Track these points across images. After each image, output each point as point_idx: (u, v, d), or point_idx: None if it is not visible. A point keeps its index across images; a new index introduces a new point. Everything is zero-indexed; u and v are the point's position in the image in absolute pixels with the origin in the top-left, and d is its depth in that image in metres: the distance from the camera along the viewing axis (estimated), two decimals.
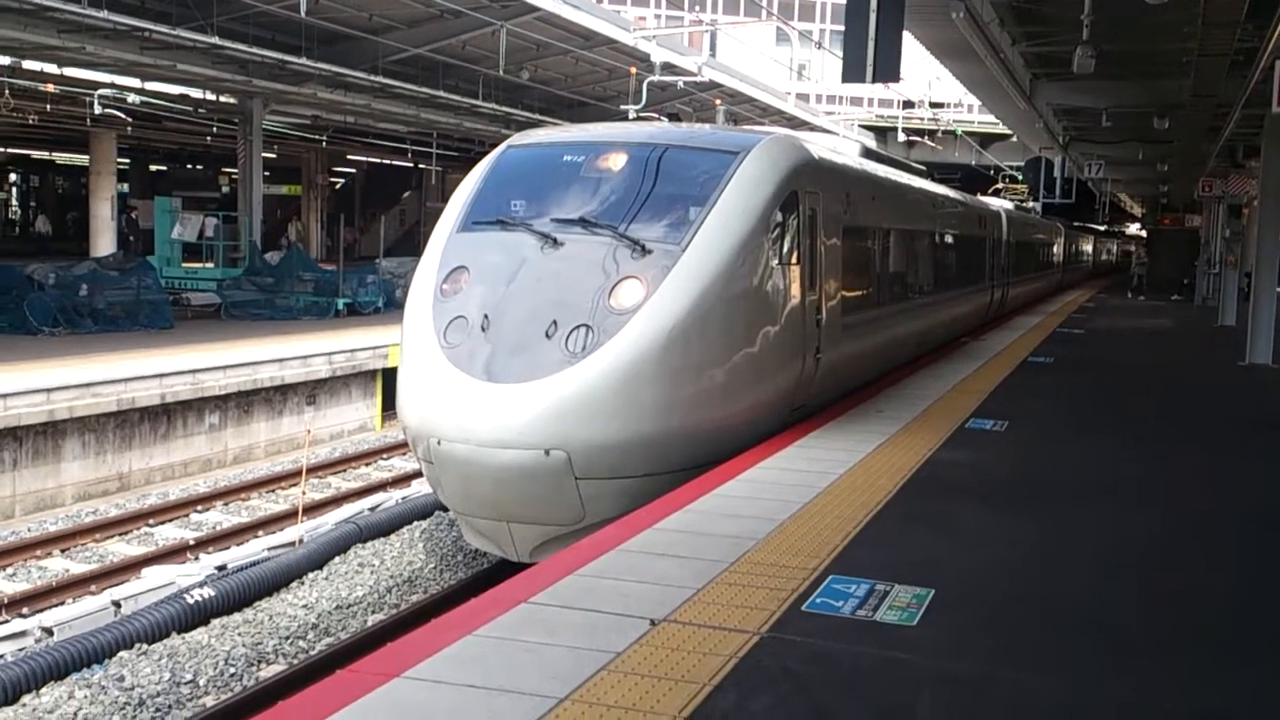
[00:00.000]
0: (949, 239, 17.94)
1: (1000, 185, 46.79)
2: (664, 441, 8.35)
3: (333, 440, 17.52)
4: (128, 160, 42.85)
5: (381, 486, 14.37)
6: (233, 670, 8.51)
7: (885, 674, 4.57)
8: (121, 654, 8.62)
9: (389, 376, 17.77)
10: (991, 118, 34.17)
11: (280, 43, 22.45)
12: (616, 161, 9.54)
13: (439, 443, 8.19)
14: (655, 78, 25.49)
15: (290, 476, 14.43)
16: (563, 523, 8.36)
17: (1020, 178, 44.03)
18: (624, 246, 8.71)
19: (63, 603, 10.02)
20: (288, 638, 9.17)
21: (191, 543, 11.70)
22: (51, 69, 24.01)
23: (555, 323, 8.25)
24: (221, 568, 10.68)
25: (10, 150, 45.93)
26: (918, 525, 6.86)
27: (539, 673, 4.40)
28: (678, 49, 28.50)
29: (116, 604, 9.70)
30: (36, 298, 19.01)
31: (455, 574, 10.68)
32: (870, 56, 10.34)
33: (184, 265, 29.87)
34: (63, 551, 11.60)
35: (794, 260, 9.81)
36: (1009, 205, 28.99)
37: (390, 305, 24.78)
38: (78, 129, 32.47)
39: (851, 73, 10.52)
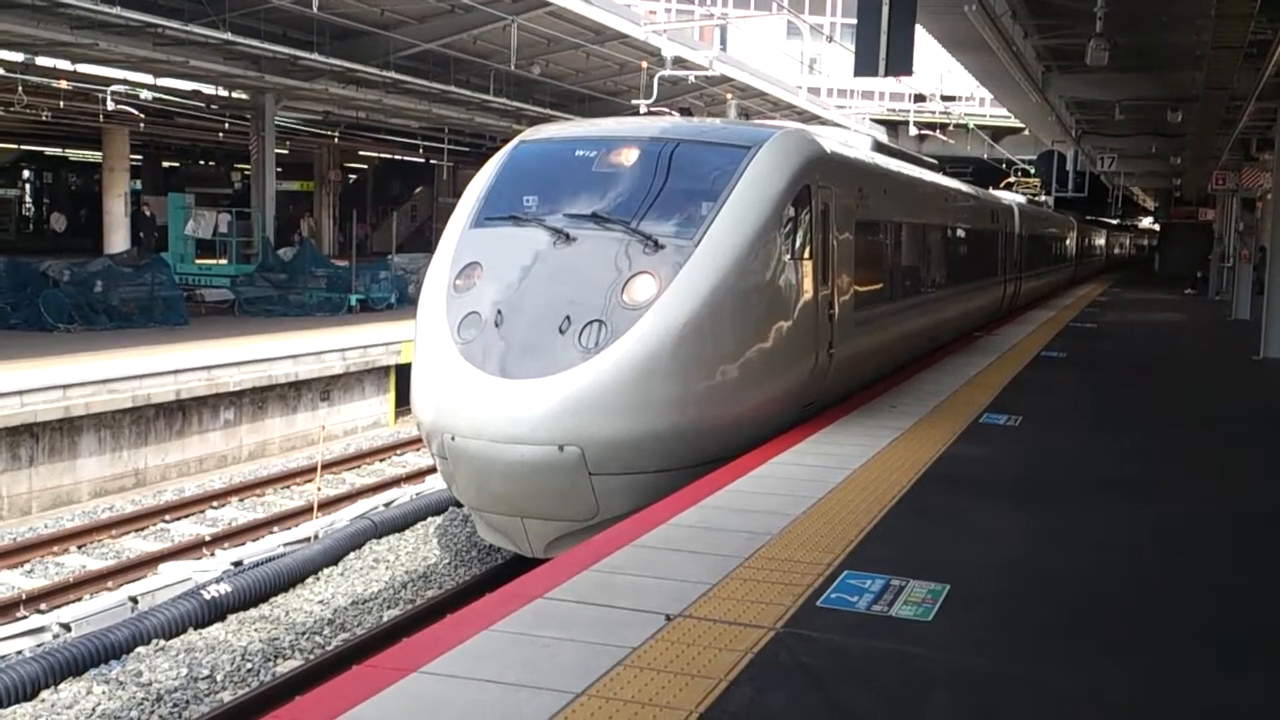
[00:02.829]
0: (961, 233, 17.91)
1: (1012, 179, 46.62)
2: (677, 437, 8.36)
3: (346, 436, 17.57)
4: (140, 156, 42.94)
5: (396, 482, 14.42)
6: (249, 665, 8.55)
7: (901, 669, 4.58)
8: (139, 650, 8.67)
9: (402, 372, 17.81)
10: (1003, 111, 34.04)
11: (292, 38, 22.50)
12: (629, 157, 9.55)
13: (453, 438, 8.22)
14: (666, 72, 25.45)
15: (305, 472, 14.48)
16: (577, 518, 8.38)
17: (1032, 171, 43.91)
18: (637, 242, 8.72)
19: (80, 599, 10.08)
20: (304, 633, 9.21)
21: (207, 539, 11.76)
22: (64, 65, 24.09)
23: (568, 318, 8.26)
24: (237, 563, 10.74)
25: (24, 147, 46.04)
26: (932, 520, 6.87)
27: (555, 668, 4.42)
28: (689, 43, 28.48)
29: (133, 600, 9.76)
30: (51, 294, 19.09)
31: (470, 570, 10.71)
32: (882, 50, 10.33)
33: (197, 261, 29.96)
34: (79, 548, 11.65)
35: (807, 255, 9.81)
36: (1021, 199, 28.93)
37: (403, 301, 24.82)
38: (90, 125, 32.54)
39: (864, 66, 10.51)
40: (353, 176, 51.77)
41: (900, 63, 10.34)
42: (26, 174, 52.96)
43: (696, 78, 27.18)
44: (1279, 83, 15.79)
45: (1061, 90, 22.75)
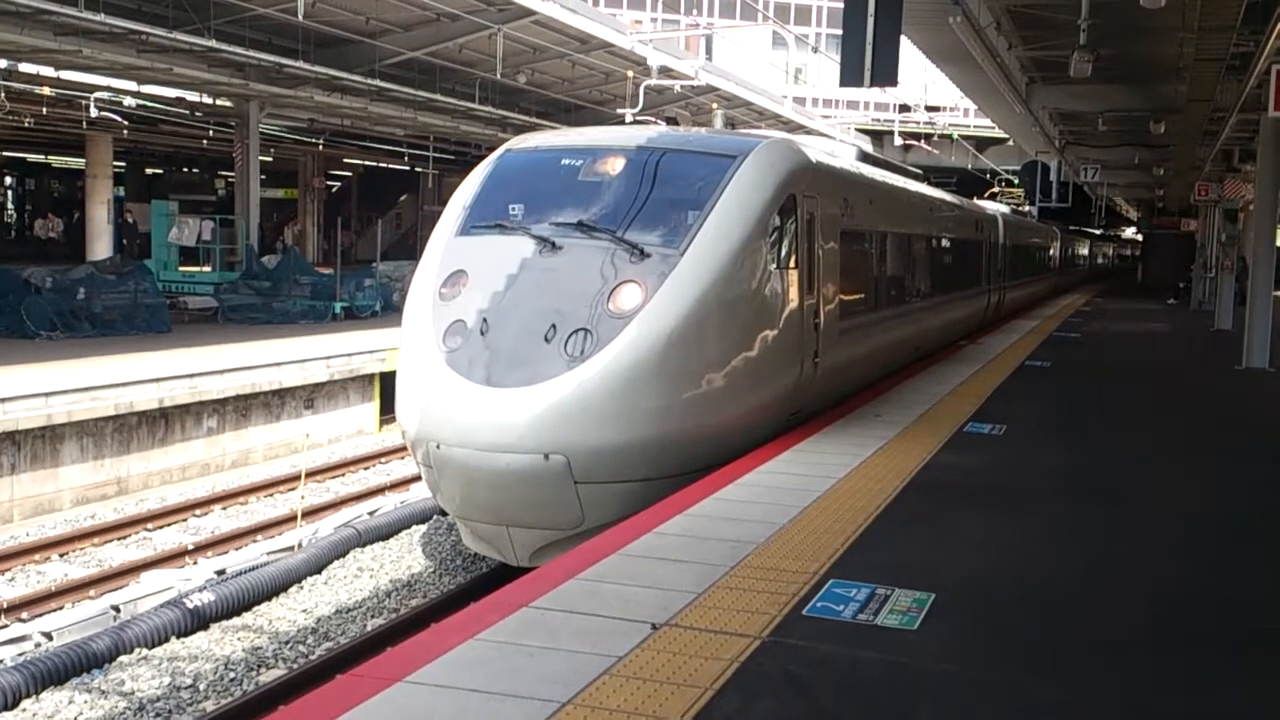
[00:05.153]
0: (946, 243, 17.97)
1: (996, 189, 46.83)
2: (663, 445, 8.36)
3: (330, 444, 17.51)
4: (123, 163, 42.80)
5: (380, 491, 14.37)
6: (232, 675, 8.51)
7: (887, 678, 4.58)
8: (121, 659, 8.62)
9: (386, 380, 17.77)
10: (988, 122, 34.27)
11: (277, 46, 22.47)
12: (615, 165, 9.56)
13: (438, 447, 8.20)
14: (652, 81, 25.52)
15: (288, 481, 14.42)
16: (562, 527, 8.37)
17: (1016, 181, 44.12)
18: (622, 251, 8.73)
19: (62, 607, 10.01)
20: (287, 642, 9.17)
21: (190, 547, 11.70)
22: (48, 72, 24.00)
23: (554, 327, 8.26)
24: (221, 572, 10.69)
25: (6, 154, 45.87)
26: (918, 529, 6.88)
27: (541, 677, 4.41)
28: (674, 53, 28.53)
29: (116, 609, 9.70)
30: (34, 301, 18.99)
31: (454, 578, 10.68)
32: (868, 61, 10.38)
33: (181, 269, 29.85)
34: (61, 556, 11.58)
35: (792, 264, 9.83)
36: (1005, 209, 29.04)
37: (387, 309, 24.76)
38: (74, 132, 32.44)
39: (849, 76, 10.55)
40: (336, 184, 51.69)
41: (885, 74, 10.38)
42: (9, 180, 52.70)
43: (682, 87, 27.24)
44: (1261, 94, 15.89)
45: (1045, 101, 22.87)
